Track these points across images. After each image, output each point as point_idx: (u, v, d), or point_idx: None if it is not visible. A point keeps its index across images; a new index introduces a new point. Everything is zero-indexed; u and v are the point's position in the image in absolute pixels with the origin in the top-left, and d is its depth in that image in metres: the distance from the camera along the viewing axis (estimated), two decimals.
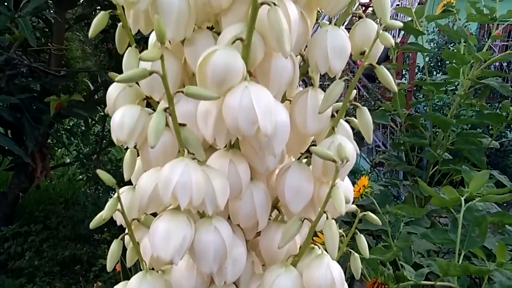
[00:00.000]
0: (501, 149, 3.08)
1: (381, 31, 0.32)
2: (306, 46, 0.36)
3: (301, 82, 0.38)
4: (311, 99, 0.35)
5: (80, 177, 2.48)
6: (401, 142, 1.36)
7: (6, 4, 1.34)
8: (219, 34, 0.34)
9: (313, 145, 0.38)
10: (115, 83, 0.38)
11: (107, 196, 1.97)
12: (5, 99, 1.26)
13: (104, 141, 2.09)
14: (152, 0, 0.30)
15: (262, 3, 0.27)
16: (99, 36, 2.49)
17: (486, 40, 1.60)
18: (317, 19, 0.39)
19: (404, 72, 3.60)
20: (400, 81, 1.51)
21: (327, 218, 0.32)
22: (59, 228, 1.97)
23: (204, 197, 0.30)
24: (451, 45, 3.39)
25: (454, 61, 1.35)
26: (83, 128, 2.30)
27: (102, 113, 2.09)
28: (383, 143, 3.24)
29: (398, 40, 3.76)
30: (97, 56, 2.54)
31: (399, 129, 1.43)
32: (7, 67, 1.42)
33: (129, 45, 0.35)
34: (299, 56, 0.37)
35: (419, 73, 3.81)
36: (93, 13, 2.29)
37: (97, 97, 2.17)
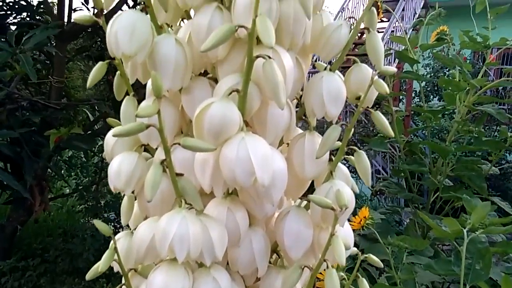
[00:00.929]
0: (502, 171, 3.07)
1: (375, 78, 0.32)
2: (302, 89, 0.36)
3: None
4: (308, 143, 0.35)
5: (79, 207, 2.47)
6: (401, 169, 1.36)
7: (7, 39, 1.36)
8: (215, 79, 0.34)
9: (312, 186, 0.38)
10: (112, 130, 0.38)
11: None
12: (6, 133, 1.27)
13: (103, 172, 2.08)
14: (150, 52, 0.31)
15: (257, 56, 0.28)
16: None
17: (481, 64, 1.62)
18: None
19: (401, 97, 3.63)
20: (397, 108, 1.52)
21: (327, 267, 0.32)
22: (57, 262, 1.93)
23: (202, 248, 0.29)
24: (447, 70, 3.43)
25: (450, 88, 1.36)
26: (82, 158, 2.30)
27: (103, 142, 2.10)
28: (383, 168, 3.24)
29: (394, 65, 3.82)
30: (97, 85, 2.56)
31: (398, 156, 1.43)
32: (8, 101, 1.44)
33: (127, 93, 0.36)
34: (295, 100, 0.37)
35: (416, 98, 3.84)
36: (94, 45, 2.33)
37: (96, 128, 2.18)
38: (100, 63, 0.34)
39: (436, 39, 1.43)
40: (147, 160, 0.37)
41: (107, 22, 0.32)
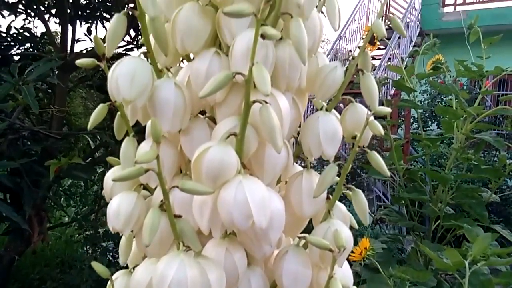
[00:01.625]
0: (503, 197, 3.05)
1: (370, 119, 0.33)
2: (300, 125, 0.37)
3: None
4: (306, 182, 0.35)
5: (78, 236, 2.44)
6: (401, 197, 1.35)
7: (10, 70, 1.39)
8: (213, 118, 0.35)
9: (311, 221, 0.38)
10: (112, 170, 0.38)
11: (104, 259, 1.92)
12: (6, 164, 1.27)
13: (103, 200, 2.07)
14: (149, 96, 0.32)
15: (254, 101, 0.29)
16: (100, 96, 2.56)
17: (478, 90, 1.64)
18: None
19: (400, 122, 3.65)
20: (395, 135, 1.53)
21: None
22: None
23: None
24: (444, 96, 3.46)
25: (447, 116, 1.37)
26: (82, 187, 2.29)
27: (103, 169, 2.10)
28: (384, 194, 3.22)
29: (392, 92, 3.87)
30: None
31: (397, 184, 1.43)
32: (10, 131, 1.45)
33: (127, 134, 0.36)
34: (292, 139, 0.38)
35: (415, 123, 3.87)
36: (96, 74, 2.36)
37: (97, 155, 2.18)
38: (101, 105, 0.35)
39: (432, 68, 1.45)
40: (146, 199, 0.37)
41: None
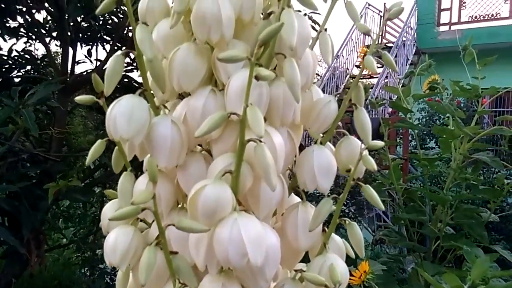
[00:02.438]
0: (503, 214, 3.03)
1: (364, 153, 0.34)
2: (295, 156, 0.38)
3: None
4: (302, 215, 0.36)
5: (76, 258, 2.42)
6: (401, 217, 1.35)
7: (10, 94, 1.40)
8: (209, 152, 0.35)
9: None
10: (109, 204, 0.39)
11: (102, 281, 1.90)
12: (5, 187, 1.27)
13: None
14: (147, 133, 0.32)
15: (249, 140, 0.29)
16: (100, 118, 2.57)
17: (475, 108, 1.65)
18: None
19: (398, 140, 3.67)
20: (393, 155, 1.54)
21: None
22: None
23: None
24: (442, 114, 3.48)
25: (444, 135, 1.38)
26: (80, 207, 2.29)
27: (101, 189, 2.10)
28: (384, 212, 3.21)
29: (390, 110, 3.89)
30: (97, 133, 2.59)
31: (396, 203, 1.43)
32: (9, 154, 1.45)
33: (125, 169, 0.37)
34: (288, 171, 0.38)
35: (413, 141, 3.88)
36: (95, 95, 2.38)
37: (96, 175, 2.18)
38: (98, 141, 0.35)
39: (428, 88, 1.47)
40: (143, 231, 0.37)
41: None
